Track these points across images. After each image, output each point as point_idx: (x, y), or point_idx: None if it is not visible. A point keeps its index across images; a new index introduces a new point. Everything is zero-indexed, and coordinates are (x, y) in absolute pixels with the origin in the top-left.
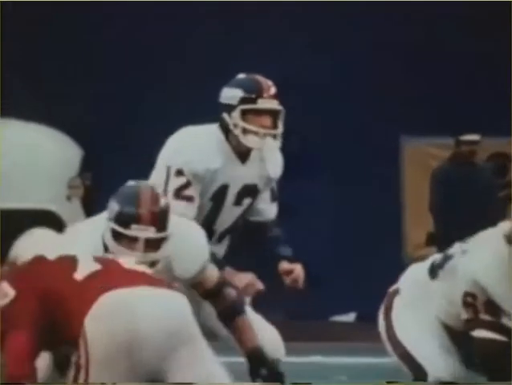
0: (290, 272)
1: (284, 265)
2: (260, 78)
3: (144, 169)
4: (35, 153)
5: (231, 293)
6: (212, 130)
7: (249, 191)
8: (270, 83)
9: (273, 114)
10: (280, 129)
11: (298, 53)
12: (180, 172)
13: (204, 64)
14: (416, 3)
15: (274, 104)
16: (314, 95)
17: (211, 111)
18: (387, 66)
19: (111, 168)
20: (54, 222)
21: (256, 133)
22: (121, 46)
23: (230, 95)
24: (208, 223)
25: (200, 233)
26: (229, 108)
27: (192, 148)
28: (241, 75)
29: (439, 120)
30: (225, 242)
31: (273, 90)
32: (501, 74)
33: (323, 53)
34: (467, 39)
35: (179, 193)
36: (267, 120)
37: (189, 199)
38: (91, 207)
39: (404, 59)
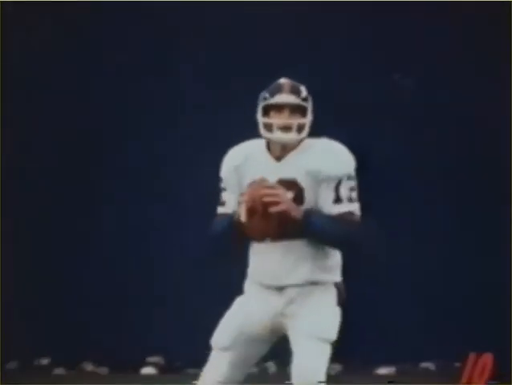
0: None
1: None
2: (285, 80)
3: None
4: None
5: None
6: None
7: (287, 185)
8: (291, 82)
9: (291, 108)
10: (302, 121)
11: None
12: (220, 181)
13: None
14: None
15: (290, 99)
16: None
17: None
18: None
19: None
20: None
21: (278, 126)
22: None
23: (260, 98)
24: None
25: None
26: (258, 110)
27: (226, 157)
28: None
29: None
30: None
31: (294, 87)
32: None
33: None
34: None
35: (220, 200)
36: (285, 114)
37: (222, 204)
38: None
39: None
